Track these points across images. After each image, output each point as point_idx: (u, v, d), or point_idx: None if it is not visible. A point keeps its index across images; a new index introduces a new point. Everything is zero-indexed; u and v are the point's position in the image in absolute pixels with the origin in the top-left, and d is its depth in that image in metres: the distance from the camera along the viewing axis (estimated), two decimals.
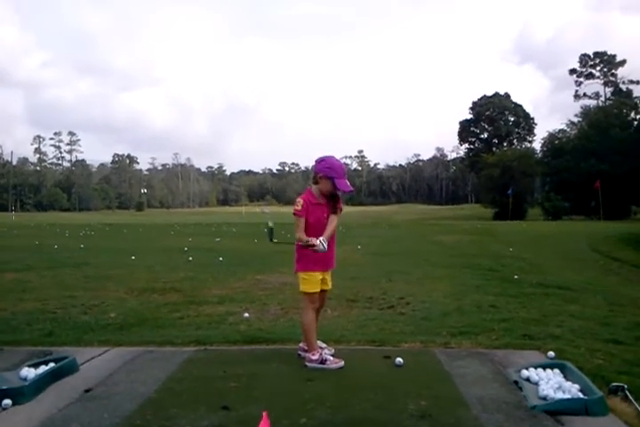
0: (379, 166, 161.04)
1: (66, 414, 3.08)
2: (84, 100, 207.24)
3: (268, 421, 2.82)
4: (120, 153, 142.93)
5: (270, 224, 4.52)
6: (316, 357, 3.90)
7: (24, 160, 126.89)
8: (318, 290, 4.04)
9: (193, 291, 7.59)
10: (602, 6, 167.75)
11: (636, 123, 57.12)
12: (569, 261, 13.80)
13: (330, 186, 3.98)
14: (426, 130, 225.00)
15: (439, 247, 15.88)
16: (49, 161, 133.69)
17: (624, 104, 57.87)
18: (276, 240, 4.45)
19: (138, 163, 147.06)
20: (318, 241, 3.82)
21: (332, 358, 3.93)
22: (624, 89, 66.05)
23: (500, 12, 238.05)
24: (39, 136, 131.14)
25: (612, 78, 70.18)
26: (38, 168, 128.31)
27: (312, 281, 4.00)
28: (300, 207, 3.93)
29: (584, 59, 71.59)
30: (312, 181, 4.12)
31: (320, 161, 4.04)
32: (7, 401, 3.17)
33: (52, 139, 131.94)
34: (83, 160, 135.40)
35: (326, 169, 3.97)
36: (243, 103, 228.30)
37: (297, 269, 4.05)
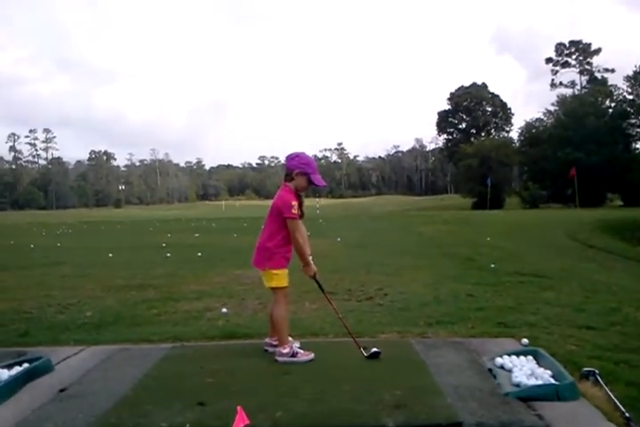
0: (358, 158, 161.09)
1: (40, 414, 3.05)
2: (59, 96, 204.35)
3: (244, 415, 2.83)
4: (97, 150, 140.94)
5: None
6: (286, 350, 3.91)
7: None
8: (288, 284, 4.06)
9: (171, 287, 7.56)
10: None
11: (610, 111, 57.78)
12: (545, 249, 13.96)
13: (305, 182, 3.99)
14: (405, 121, 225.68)
15: (418, 238, 15.97)
16: (24, 159, 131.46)
17: (599, 92, 58.43)
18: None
19: (115, 159, 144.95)
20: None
21: (302, 351, 3.94)
22: (599, 77, 66.61)
23: (477, 3, 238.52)
24: (14, 134, 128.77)
25: (587, 67, 70.69)
26: (14, 166, 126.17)
27: (283, 276, 4.02)
28: (296, 211, 3.92)
29: (560, 48, 72.02)
30: (286, 178, 4.05)
31: (294, 157, 4.02)
32: None
33: (27, 136, 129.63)
34: (59, 158, 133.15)
35: (302, 165, 3.97)
36: (221, 98, 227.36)
37: (269, 267, 4.03)
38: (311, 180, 3.98)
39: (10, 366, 3.72)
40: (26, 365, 3.75)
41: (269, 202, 4.29)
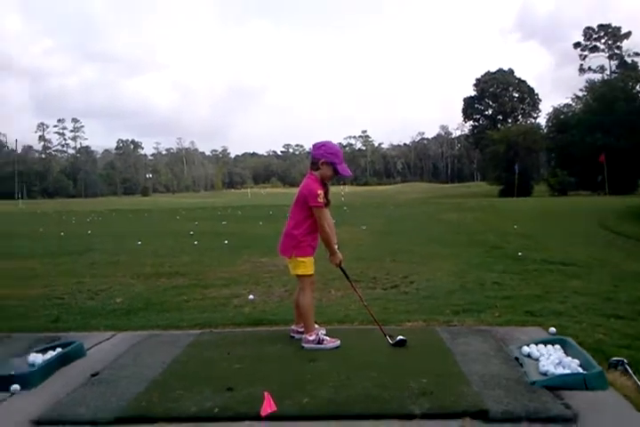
0: (383, 146, 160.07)
1: (73, 397, 3.13)
2: (87, 86, 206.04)
3: (272, 401, 2.88)
4: (124, 139, 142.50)
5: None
6: (312, 337, 3.94)
7: (28, 148, 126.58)
8: (313, 271, 4.09)
9: (198, 274, 7.65)
10: None
11: None
12: (574, 237, 13.76)
13: (331, 171, 4.01)
14: (430, 108, 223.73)
15: (444, 225, 15.87)
16: (53, 148, 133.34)
17: (629, 77, 57.08)
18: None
19: (142, 148, 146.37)
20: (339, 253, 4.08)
21: (328, 338, 3.97)
22: (629, 62, 65.03)
23: None
24: (43, 123, 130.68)
25: (616, 51, 69.04)
26: (43, 156, 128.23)
27: (309, 264, 4.05)
28: (321, 200, 3.94)
29: (588, 32, 70.44)
30: (312, 167, 4.07)
31: (321, 146, 4.03)
32: (16, 386, 3.23)
33: (55, 126, 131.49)
34: (87, 147, 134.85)
35: (329, 155, 3.98)
36: (246, 86, 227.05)
37: (295, 255, 4.06)
38: (337, 169, 3.99)
39: (44, 351, 3.83)
40: (59, 349, 3.86)
41: (295, 190, 4.30)
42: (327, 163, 3.97)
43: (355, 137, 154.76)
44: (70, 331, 4.70)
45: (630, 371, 3.27)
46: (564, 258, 8.65)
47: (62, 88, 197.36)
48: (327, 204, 4.08)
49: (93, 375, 3.49)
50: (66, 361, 3.74)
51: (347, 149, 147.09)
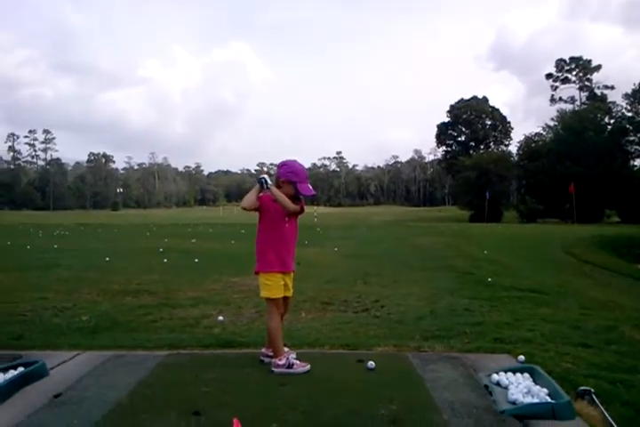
0: (357, 168, 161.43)
1: (34, 420, 3.03)
2: (60, 98, 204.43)
3: (240, 426, 2.82)
4: (96, 152, 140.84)
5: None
6: (282, 362, 3.89)
7: None
8: (281, 295, 4.03)
9: (167, 293, 7.53)
10: (575, 14, 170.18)
11: (609, 127, 58.03)
12: (542, 264, 13.97)
13: (292, 190, 4.00)
14: (404, 132, 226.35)
15: (415, 250, 15.96)
16: (23, 159, 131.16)
17: (598, 108, 58.69)
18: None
19: (114, 162, 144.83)
20: (266, 177, 3.97)
21: (298, 362, 3.92)
22: (599, 94, 67.00)
23: (477, 19, 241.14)
24: (13, 134, 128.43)
25: (587, 83, 70.97)
26: (12, 166, 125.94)
27: (274, 286, 4.00)
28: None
29: (560, 63, 72.35)
30: (275, 185, 4.06)
31: (282, 165, 4.07)
32: None
33: (26, 137, 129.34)
34: (58, 159, 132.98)
35: (288, 173, 4.00)
36: (222, 104, 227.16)
37: (257, 269, 4.07)
38: (297, 188, 4.00)
39: (5, 370, 3.71)
40: (21, 369, 3.73)
41: None
42: (287, 182, 3.99)
43: (329, 158, 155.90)
44: (33, 349, 4.56)
45: (597, 401, 3.30)
46: (533, 285, 8.75)
47: (35, 99, 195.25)
48: (299, 212, 4.12)
49: (56, 397, 3.38)
50: (27, 381, 3.62)
51: (321, 169, 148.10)
